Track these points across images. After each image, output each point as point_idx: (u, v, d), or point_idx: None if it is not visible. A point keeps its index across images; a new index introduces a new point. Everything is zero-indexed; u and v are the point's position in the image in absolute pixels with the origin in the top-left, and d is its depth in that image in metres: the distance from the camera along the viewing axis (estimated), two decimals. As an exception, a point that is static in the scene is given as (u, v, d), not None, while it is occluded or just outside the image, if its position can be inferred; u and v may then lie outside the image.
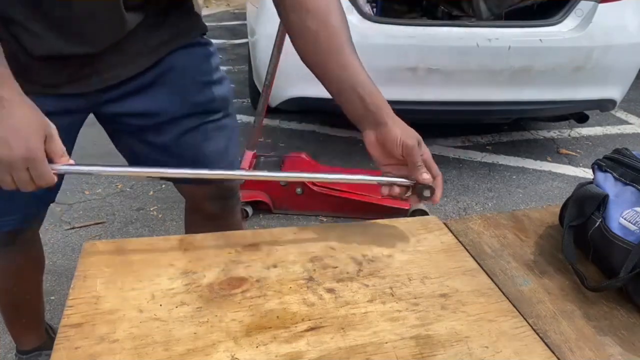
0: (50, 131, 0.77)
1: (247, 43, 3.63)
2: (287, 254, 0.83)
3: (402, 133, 0.85)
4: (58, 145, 0.78)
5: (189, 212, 1.31)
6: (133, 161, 1.12)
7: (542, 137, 3.42)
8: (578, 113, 2.97)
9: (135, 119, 1.03)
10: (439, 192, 0.84)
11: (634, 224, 0.76)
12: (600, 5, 2.57)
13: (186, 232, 1.37)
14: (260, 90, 2.36)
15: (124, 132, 1.08)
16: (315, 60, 0.87)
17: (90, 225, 2.25)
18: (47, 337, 1.54)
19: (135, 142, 1.07)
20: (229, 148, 1.14)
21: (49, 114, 0.82)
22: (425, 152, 0.85)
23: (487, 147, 3.25)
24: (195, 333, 0.66)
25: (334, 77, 0.86)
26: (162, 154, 1.07)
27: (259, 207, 2.41)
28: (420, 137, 0.86)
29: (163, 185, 2.61)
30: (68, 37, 0.87)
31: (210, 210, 1.23)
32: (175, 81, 1.02)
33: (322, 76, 0.88)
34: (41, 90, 0.90)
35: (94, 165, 0.81)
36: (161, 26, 0.97)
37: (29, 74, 0.89)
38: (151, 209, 2.43)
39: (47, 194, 1.02)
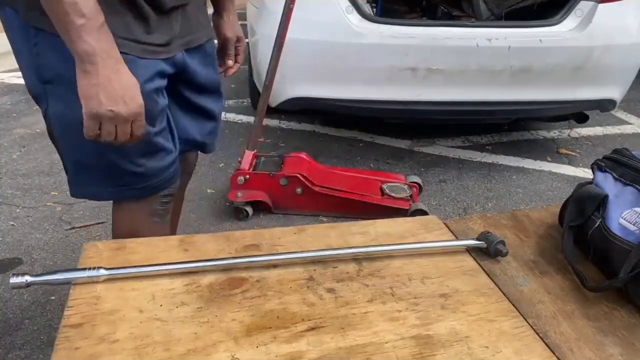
0: None
1: (247, 43, 3.63)
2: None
3: (225, 26, 1.27)
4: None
5: None
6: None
7: (542, 137, 3.42)
8: (578, 113, 2.97)
9: (198, 80, 1.18)
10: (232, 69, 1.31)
11: (634, 224, 0.76)
12: (600, 5, 2.56)
13: None
14: (260, 90, 2.37)
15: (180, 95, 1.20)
16: None
17: (90, 225, 2.25)
18: None
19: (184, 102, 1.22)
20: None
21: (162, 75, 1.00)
22: (242, 44, 1.31)
23: (487, 147, 3.24)
24: (195, 333, 0.66)
25: None
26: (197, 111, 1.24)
27: (259, 207, 2.41)
28: (239, 32, 1.30)
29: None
30: None
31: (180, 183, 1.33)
32: (213, 62, 1.24)
33: None
34: (155, 54, 0.99)
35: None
36: (199, 13, 1.14)
37: (150, 36, 0.98)
38: (151, 209, 2.43)
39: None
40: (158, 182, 1.09)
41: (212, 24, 1.24)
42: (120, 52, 0.89)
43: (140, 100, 0.89)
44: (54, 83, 0.95)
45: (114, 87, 0.85)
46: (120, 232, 1.16)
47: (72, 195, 1.10)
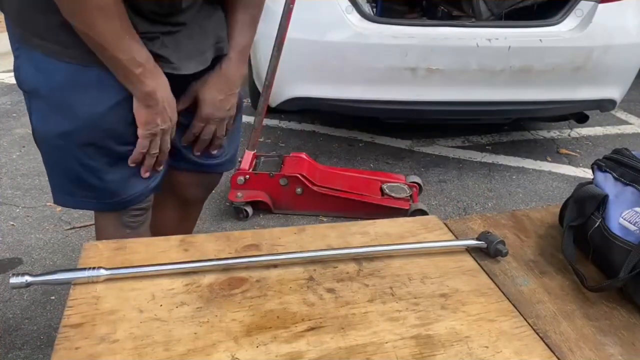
0: None
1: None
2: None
3: (198, 86, 1.08)
4: None
5: (164, 194, 1.30)
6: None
7: (542, 137, 3.42)
8: (578, 113, 2.97)
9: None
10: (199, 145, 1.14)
11: (634, 224, 0.76)
12: (600, 5, 2.56)
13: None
14: (260, 90, 2.37)
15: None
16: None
17: (90, 225, 2.25)
18: None
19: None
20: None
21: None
22: (202, 110, 1.08)
23: (487, 147, 3.24)
24: (195, 333, 0.66)
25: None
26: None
27: (259, 207, 2.41)
28: (207, 99, 1.08)
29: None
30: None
31: (193, 197, 1.33)
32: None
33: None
34: None
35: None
36: (208, 30, 1.06)
37: None
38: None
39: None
40: (124, 200, 1.08)
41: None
42: (98, 70, 0.93)
43: (175, 111, 1.02)
44: (30, 95, 1.00)
45: (167, 110, 0.99)
46: (98, 236, 1.18)
47: (54, 201, 1.12)
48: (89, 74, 0.94)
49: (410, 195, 2.39)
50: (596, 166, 0.89)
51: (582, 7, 2.60)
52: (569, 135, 3.47)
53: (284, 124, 3.45)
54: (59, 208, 2.36)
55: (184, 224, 1.39)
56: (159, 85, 0.96)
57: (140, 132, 0.99)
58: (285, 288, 0.75)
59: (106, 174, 1.03)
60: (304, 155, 2.48)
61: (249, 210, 2.38)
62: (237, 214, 2.39)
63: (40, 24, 0.92)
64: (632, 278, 0.74)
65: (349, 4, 2.49)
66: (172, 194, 1.30)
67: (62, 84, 0.94)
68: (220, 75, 1.08)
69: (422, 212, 2.29)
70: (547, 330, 0.71)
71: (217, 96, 1.09)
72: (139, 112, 0.97)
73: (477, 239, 0.87)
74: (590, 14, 2.57)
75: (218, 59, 1.08)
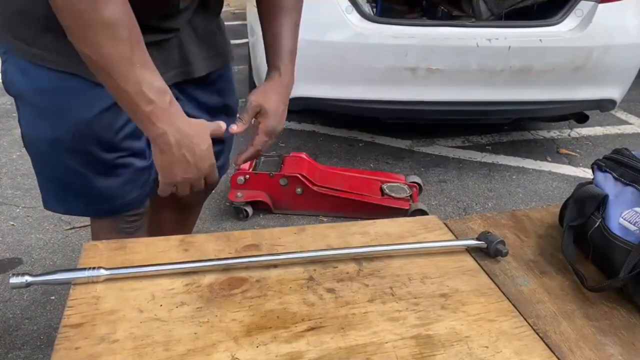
0: None
1: (247, 43, 3.63)
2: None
3: (259, 97, 1.03)
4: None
5: (163, 198, 1.30)
6: None
7: (542, 137, 3.42)
8: (578, 113, 2.97)
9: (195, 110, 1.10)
10: (243, 156, 1.13)
11: (634, 224, 0.76)
12: (600, 5, 2.56)
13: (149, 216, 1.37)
14: (261, 90, 2.37)
15: None
16: (262, 16, 1.10)
17: (89, 225, 2.25)
18: None
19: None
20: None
21: None
22: (267, 123, 1.06)
23: (487, 147, 3.24)
24: (195, 333, 0.66)
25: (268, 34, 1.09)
26: None
27: (259, 207, 2.41)
28: (271, 109, 1.04)
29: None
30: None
31: (193, 200, 1.30)
32: (225, 86, 1.18)
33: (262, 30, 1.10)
34: None
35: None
36: (194, 44, 1.04)
37: None
38: (151, 209, 2.43)
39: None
40: (117, 206, 1.05)
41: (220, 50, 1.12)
42: (83, 78, 0.89)
43: (211, 159, 0.91)
44: (17, 100, 0.98)
45: (189, 161, 0.87)
46: (94, 240, 1.16)
47: (44, 206, 1.08)
48: (73, 81, 0.90)
49: (410, 195, 2.39)
50: (596, 166, 0.89)
51: (582, 7, 2.60)
52: (569, 135, 3.47)
53: (284, 124, 3.45)
54: (59, 208, 2.36)
55: (184, 225, 1.39)
56: (174, 128, 0.83)
57: (159, 178, 0.92)
58: (285, 288, 0.75)
59: (96, 181, 0.99)
60: (304, 155, 2.48)
61: (249, 210, 2.38)
62: (237, 214, 2.39)
63: (25, 28, 0.89)
64: (632, 278, 0.74)
65: (349, 4, 2.49)
66: (171, 197, 1.29)
67: (47, 90, 0.91)
68: (280, 84, 1.04)
69: (422, 212, 2.29)
70: (547, 330, 0.71)
71: (280, 106, 1.04)
72: (155, 157, 0.88)
73: (477, 239, 0.87)
74: (590, 14, 2.57)
75: (220, 70, 1.07)
